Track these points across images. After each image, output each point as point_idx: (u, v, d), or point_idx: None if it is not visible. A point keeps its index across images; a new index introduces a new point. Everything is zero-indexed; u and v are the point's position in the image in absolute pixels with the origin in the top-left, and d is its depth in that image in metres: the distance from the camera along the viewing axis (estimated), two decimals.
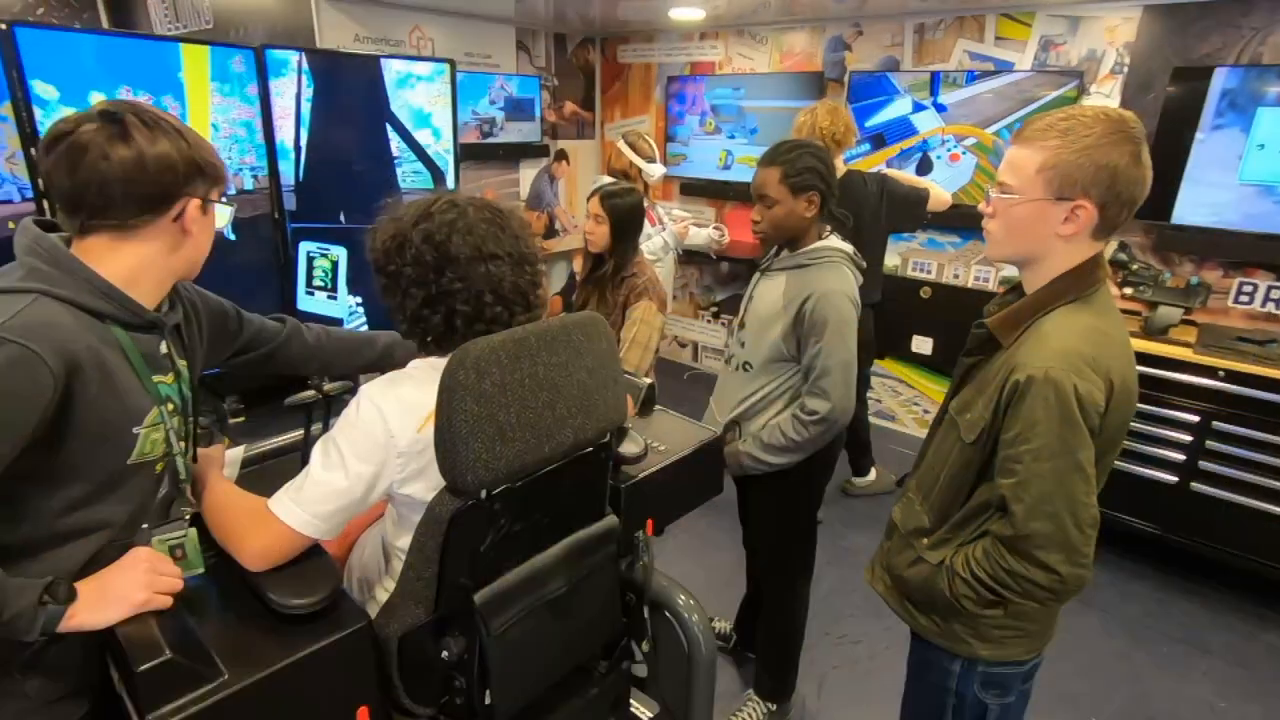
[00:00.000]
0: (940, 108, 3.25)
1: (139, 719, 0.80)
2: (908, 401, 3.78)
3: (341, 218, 2.22)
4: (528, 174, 4.29)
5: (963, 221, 3.30)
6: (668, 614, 1.42)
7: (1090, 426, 0.96)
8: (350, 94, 2.20)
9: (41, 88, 1.61)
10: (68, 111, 1.64)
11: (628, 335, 1.97)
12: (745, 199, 4.16)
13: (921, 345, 3.58)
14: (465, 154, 3.80)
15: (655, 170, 2.89)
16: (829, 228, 1.65)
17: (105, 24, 4.60)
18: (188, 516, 1.02)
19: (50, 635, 0.83)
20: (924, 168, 3.35)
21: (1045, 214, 1.00)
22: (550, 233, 4.44)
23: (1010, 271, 2.90)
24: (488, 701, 1.05)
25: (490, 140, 3.96)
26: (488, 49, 3.91)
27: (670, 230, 2.95)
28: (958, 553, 1.09)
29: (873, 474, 3.17)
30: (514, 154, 4.15)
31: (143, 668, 0.79)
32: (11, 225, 1.65)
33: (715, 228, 3.31)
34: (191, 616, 0.92)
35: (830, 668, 2.21)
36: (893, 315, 3.37)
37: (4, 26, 1.56)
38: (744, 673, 2.18)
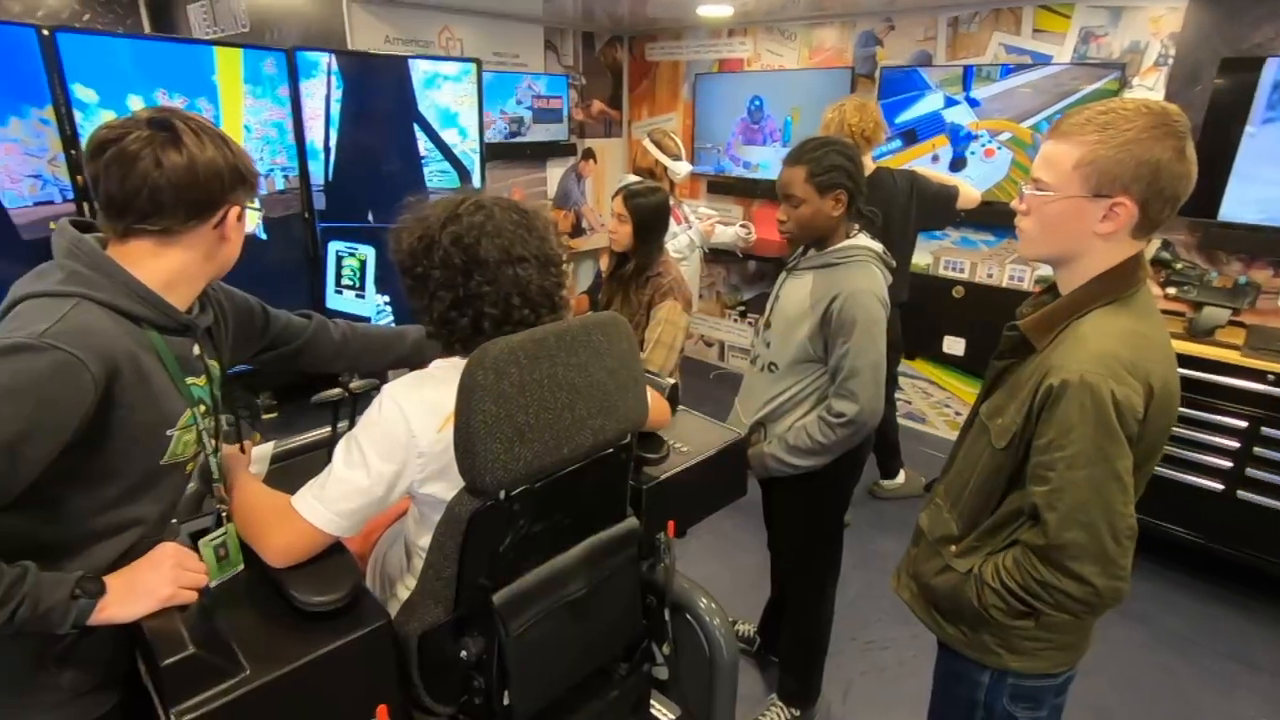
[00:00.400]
0: (974, 103, 3.18)
1: (164, 712, 0.82)
2: (939, 403, 3.71)
3: (369, 217, 2.25)
4: (555, 173, 4.30)
5: (996, 219, 3.22)
6: (689, 617, 1.40)
7: (1128, 434, 0.92)
8: (378, 94, 2.23)
9: (82, 91, 1.65)
10: (107, 115, 1.70)
11: (652, 335, 1.95)
12: (773, 197, 4.12)
13: (953, 346, 3.50)
14: (493, 153, 3.84)
15: (681, 168, 2.87)
16: (857, 226, 1.62)
17: (147, 29, 4.74)
18: (224, 514, 1.04)
19: (81, 628, 0.85)
20: (957, 164, 3.28)
21: (1082, 212, 0.96)
22: (577, 231, 4.45)
23: (1046, 271, 2.82)
24: (506, 702, 1.04)
25: (517, 139, 3.98)
26: (516, 48, 3.92)
27: (696, 228, 2.92)
28: (987, 561, 1.06)
29: (902, 476, 3.11)
30: (541, 153, 4.17)
31: (167, 662, 0.81)
32: (52, 226, 1.71)
33: (742, 225, 3.28)
34: (216, 612, 0.93)
35: (857, 674, 2.17)
36: (924, 315, 3.31)
37: (46, 32, 1.60)
38: (768, 676, 2.16)
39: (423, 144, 2.32)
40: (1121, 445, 0.92)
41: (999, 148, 3.16)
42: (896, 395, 3.58)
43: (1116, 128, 0.92)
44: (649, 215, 1.96)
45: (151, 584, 0.90)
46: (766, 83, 3.91)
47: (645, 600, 1.33)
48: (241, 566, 1.02)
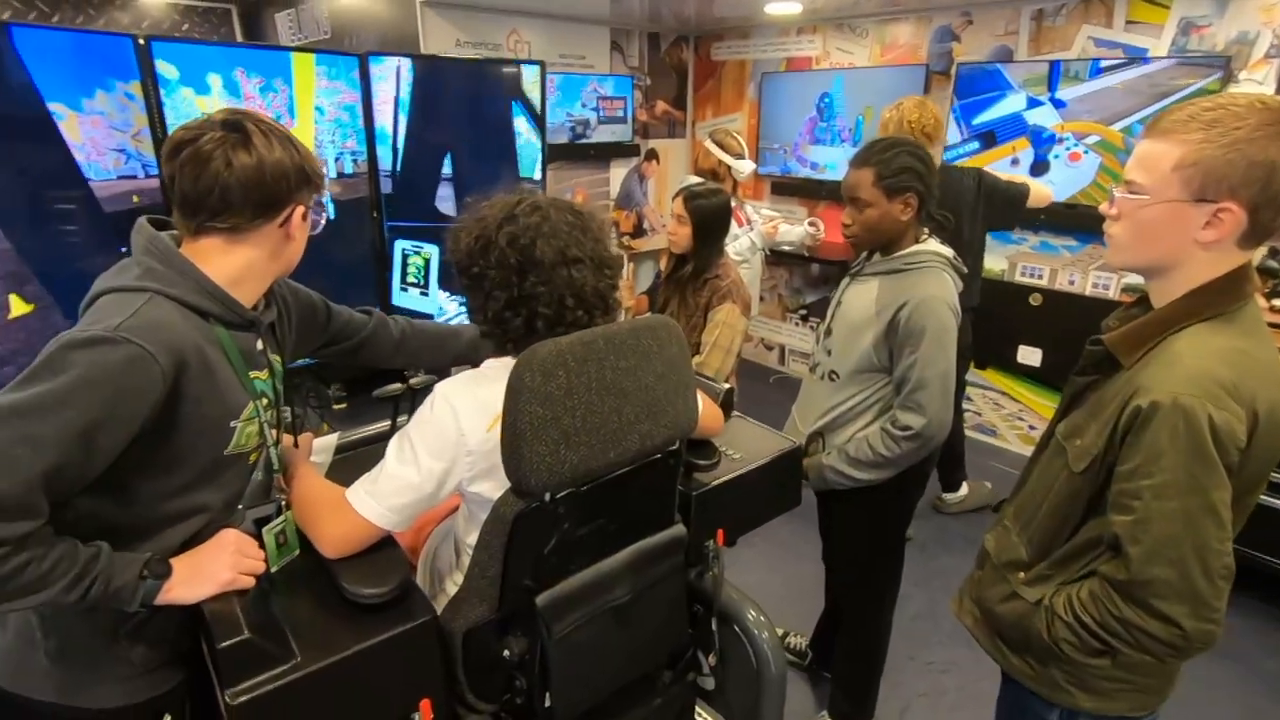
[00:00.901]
0: (1059, 103, 3.00)
1: (220, 692, 0.85)
2: (1011, 416, 3.52)
3: (433, 217, 2.30)
4: (618, 173, 4.31)
5: (1080, 223, 3.04)
6: (736, 629, 1.37)
7: (1227, 463, 0.83)
8: (445, 96, 2.27)
9: (163, 66, 1.73)
10: (186, 91, 1.78)
11: (709, 338, 1.92)
12: (839, 199, 4.01)
13: (1029, 356, 3.32)
14: (557, 154, 3.88)
15: (744, 167, 2.83)
16: (927, 231, 1.55)
17: (239, 37, 5.01)
18: (283, 502, 1.08)
19: (149, 607, 0.89)
20: (1038, 168, 3.10)
21: (1181, 217, 0.88)
22: (638, 232, 4.45)
23: (1135, 280, 2.64)
24: (548, 704, 1.04)
25: (582, 141, 4.01)
26: (582, 50, 3.95)
27: (758, 230, 2.87)
28: (1059, 592, 0.98)
29: (964, 489, 2.97)
30: (605, 154, 4.19)
31: (223, 644, 0.84)
32: (136, 199, 1.80)
33: (810, 222, 3.20)
34: (271, 599, 0.96)
35: (915, 695, 2.08)
36: (998, 322, 3.15)
37: (143, 42, 1.70)
38: (819, 692, 2.09)
39: (490, 136, 2.34)
40: (1218, 475, 0.83)
41: (1086, 151, 2.97)
42: (965, 405, 3.42)
43: (1225, 125, 0.83)
44: (709, 217, 1.93)
45: (213, 569, 0.93)
46: (836, 81, 3.81)
47: (692, 609, 1.31)
48: (298, 551, 1.05)
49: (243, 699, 0.82)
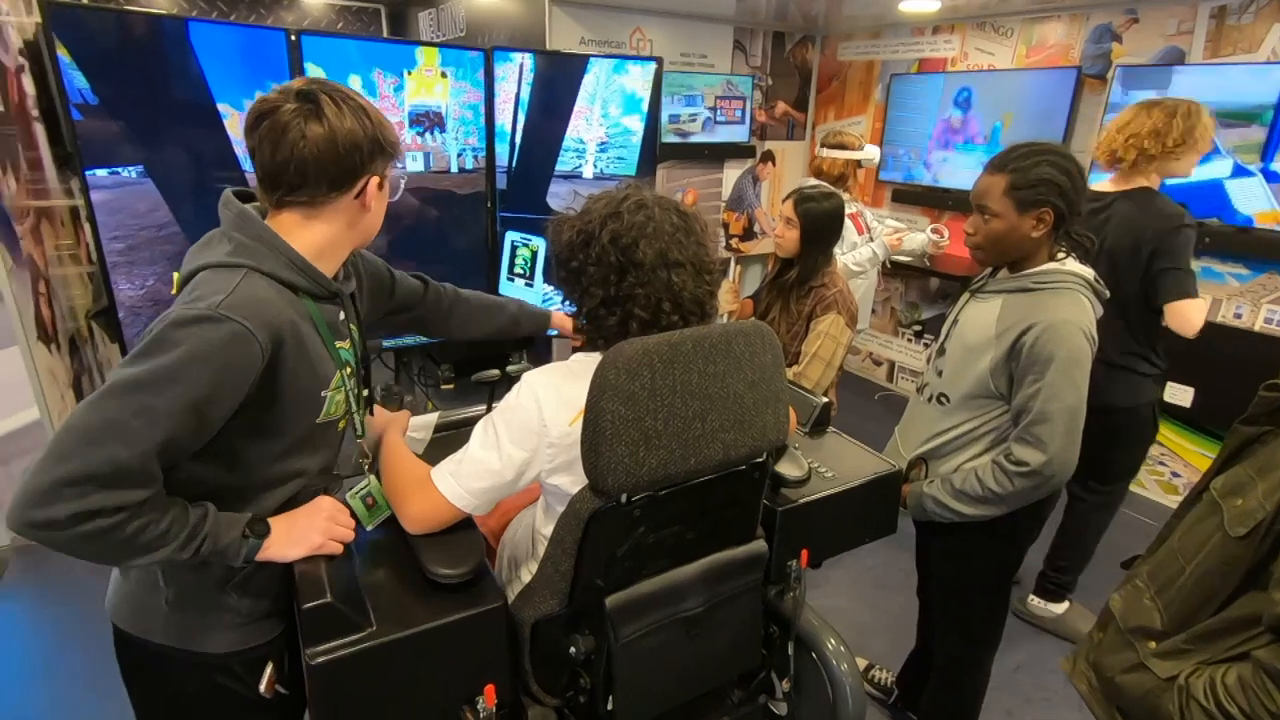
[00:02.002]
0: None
1: (301, 649, 0.89)
2: (1151, 460, 3.16)
3: (544, 211, 2.35)
4: (732, 174, 4.25)
5: (1254, 247, 2.67)
6: (814, 656, 1.30)
7: None
8: (563, 92, 2.32)
9: (313, 69, 1.88)
10: None
11: (809, 349, 1.84)
12: (965, 209, 3.76)
13: (1178, 395, 2.96)
14: (670, 153, 3.87)
15: (871, 152, 2.74)
16: (1065, 251, 1.39)
17: (385, 34, 5.36)
18: (366, 466, 1.13)
19: (251, 563, 0.95)
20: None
21: None
22: (748, 235, 4.37)
23: None
24: (610, 707, 1.02)
25: (697, 140, 3.98)
26: (704, 49, 3.92)
27: (881, 241, 2.73)
28: (1199, 672, 0.85)
29: (1066, 604, 2.45)
30: (719, 154, 4.14)
31: (306, 605, 0.88)
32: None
33: (934, 229, 3.02)
34: (355, 566, 1.00)
35: None
36: None
37: (294, 37, 1.85)
38: None
39: (603, 131, 2.37)
40: None
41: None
42: None
43: None
44: (820, 221, 1.85)
45: (306, 531, 0.98)
46: (972, 84, 3.56)
47: (768, 629, 1.25)
48: (389, 511, 1.09)
49: (320, 659, 0.86)
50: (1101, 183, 2.06)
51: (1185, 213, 1.91)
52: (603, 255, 0.98)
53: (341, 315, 1.06)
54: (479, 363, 1.63)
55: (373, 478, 1.11)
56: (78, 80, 1.65)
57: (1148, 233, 1.89)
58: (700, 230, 1.04)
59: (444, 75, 2.08)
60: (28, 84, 2.87)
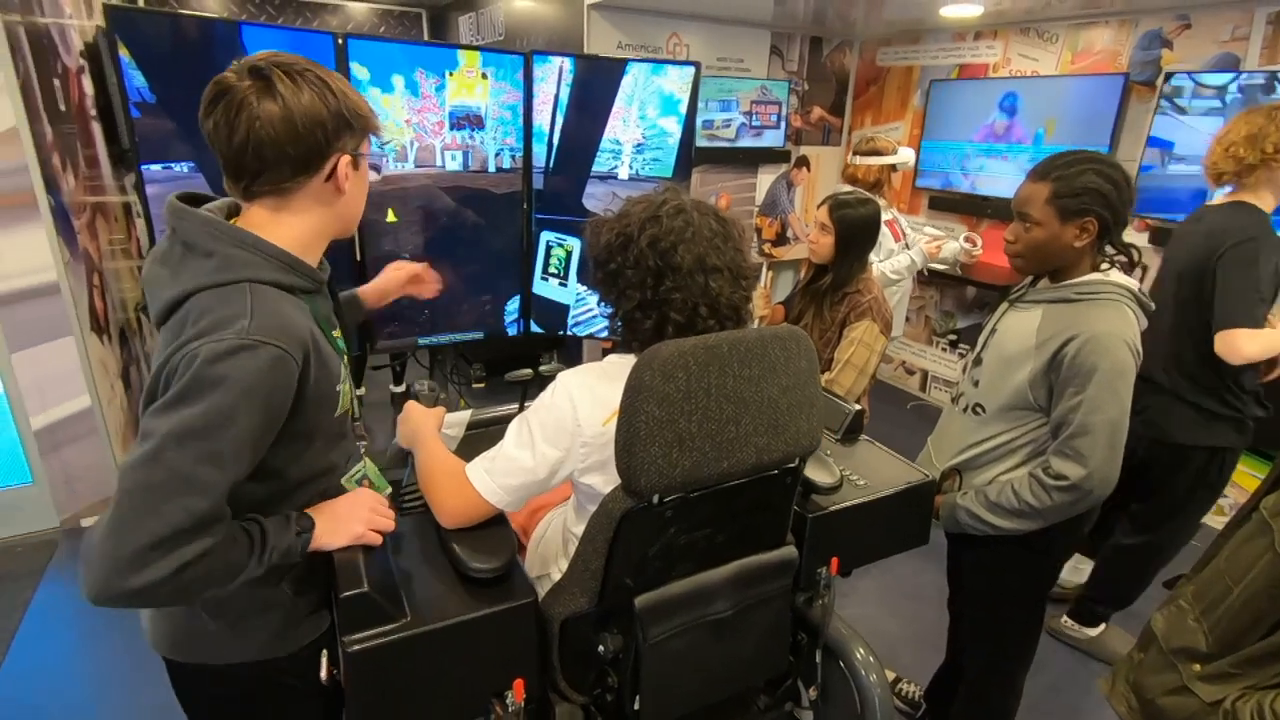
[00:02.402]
0: None
1: (338, 637, 0.91)
2: None
3: (579, 212, 2.37)
4: (766, 179, 4.23)
5: None
6: (842, 665, 1.29)
7: None
8: (600, 94, 2.33)
9: (357, 69, 1.92)
10: (374, 91, 1.95)
11: (842, 355, 1.83)
12: (1004, 217, 3.69)
13: None
14: (704, 158, 3.87)
15: (906, 155, 2.73)
16: (1109, 263, 1.36)
17: (425, 37, 5.46)
18: (361, 449, 1.12)
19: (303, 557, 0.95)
20: None
21: None
22: (780, 240, 4.35)
23: None
24: (636, 706, 1.03)
25: (731, 144, 3.98)
26: (741, 53, 3.92)
27: (919, 249, 2.70)
28: (1246, 696, 0.83)
29: (1102, 627, 2.34)
30: (753, 159, 4.12)
31: (345, 594, 0.90)
32: None
33: (967, 238, 2.98)
34: (389, 557, 1.02)
35: None
36: None
37: (340, 41, 1.90)
38: None
39: (639, 133, 2.38)
40: None
41: None
42: None
43: None
44: (856, 228, 1.83)
45: (348, 520, 1.00)
46: (1015, 90, 3.50)
47: (796, 636, 1.25)
48: (389, 489, 1.10)
49: (356, 648, 0.88)
50: (1210, 201, 1.92)
51: (1260, 227, 1.74)
52: (641, 258, 0.98)
53: (330, 305, 1.04)
54: (509, 362, 1.65)
55: (368, 460, 1.11)
56: (137, 79, 1.72)
57: (1218, 248, 1.76)
58: (738, 236, 1.04)
59: (484, 76, 2.12)
60: (87, 84, 2.99)
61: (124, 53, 1.68)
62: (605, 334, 2.55)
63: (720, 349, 0.92)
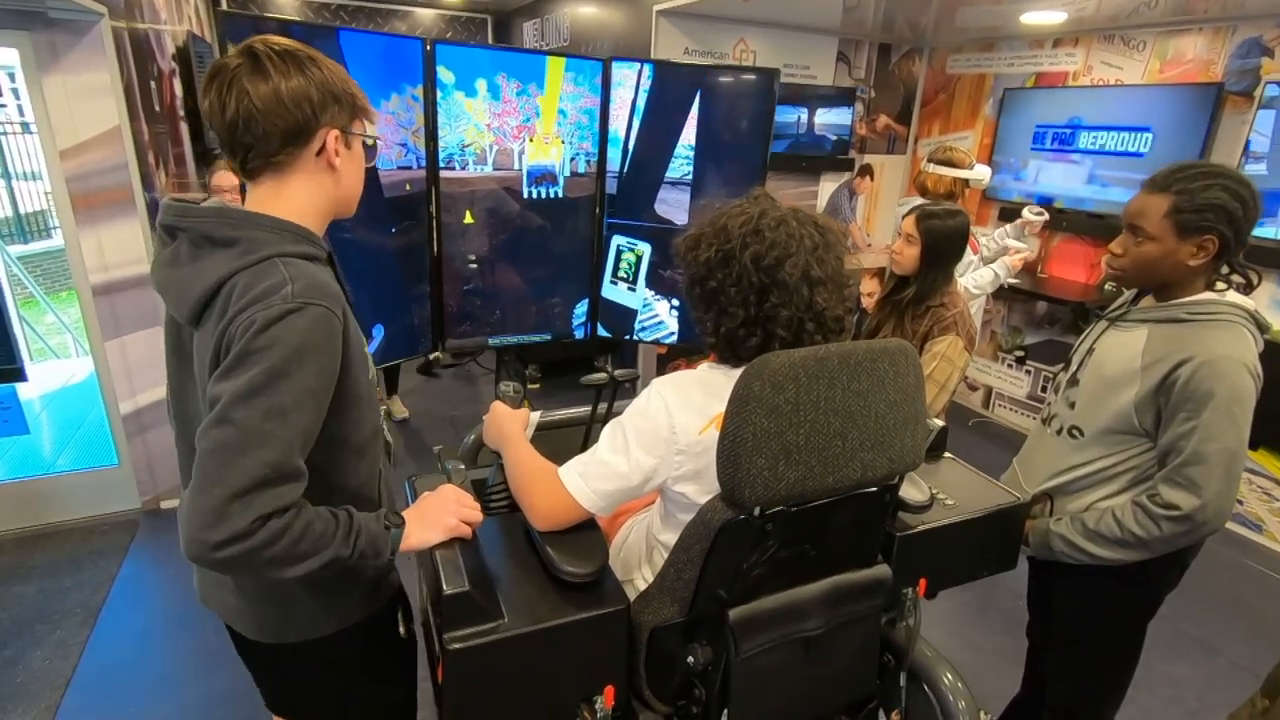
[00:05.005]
0: None
1: (438, 635, 0.92)
2: (1274, 499, 2.90)
3: (651, 217, 2.37)
4: (828, 187, 4.18)
5: None
6: (926, 689, 1.25)
7: None
8: (677, 100, 2.33)
9: (442, 72, 1.97)
10: (458, 95, 2.00)
11: (924, 370, 1.78)
12: (1080, 231, 3.56)
13: None
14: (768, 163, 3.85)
15: (982, 172, 2.63)
16: (1224, 281, 1.28)
17: (490, 41, 5.56)
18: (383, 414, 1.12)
19: (395, 555, 0.96)
20: None
21: None
22: None
23: None
24: None
25: (794, 151, 3.94)
26: (807, 60, 3.88)
27: (1003, 262, 2.62)
28: None
29: None
30: (816, 166, 4.08)
31: (449, 591, 0.90)
32: (408, 186, 2.08)
33: (1031, 209, 2.89)
34: (483, 557, 1.03)
35: None
36: (1278, 394, 2.60)
37: (429, 47, 1.94)
38: None
39: (721, 147, 2.37)
40: None
41: None
42: None
43: None
44: (944, 240, 1.78)
45: (438, 515, 1.00)
46: (1096, 101, 3.37)
47: (881, 658, 1.21)
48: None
49: (456, 645, 0.89)
50: None
51: None
52: (743, 275, 0.96)
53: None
54: (564, 365, 1.65)
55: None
56: None
57: None
58: (838, 243, 1.01)
59: (561, 140, 2.19)
60: (177, 86, 3.13)
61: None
62: (670, 340, 2.55)
63: (830, 361, 0.90)
